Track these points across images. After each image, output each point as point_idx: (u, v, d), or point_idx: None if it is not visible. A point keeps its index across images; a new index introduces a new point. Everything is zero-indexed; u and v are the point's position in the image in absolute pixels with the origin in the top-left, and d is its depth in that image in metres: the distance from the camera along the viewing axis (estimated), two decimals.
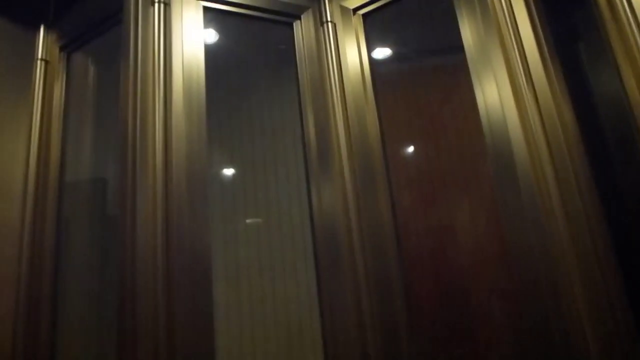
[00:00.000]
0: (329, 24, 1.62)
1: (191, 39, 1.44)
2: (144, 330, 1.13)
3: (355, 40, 1.62)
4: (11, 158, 1.57)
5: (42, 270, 1.49)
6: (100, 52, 1.73)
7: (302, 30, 1.63)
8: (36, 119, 1.61)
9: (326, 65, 1.59)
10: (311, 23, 1.65)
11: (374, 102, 1.55)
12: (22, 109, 1.63)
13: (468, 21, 1.44)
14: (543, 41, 1.33)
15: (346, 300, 1.34)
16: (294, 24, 1.64)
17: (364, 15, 1.65)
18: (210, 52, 1.48)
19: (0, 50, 1.63)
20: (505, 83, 1.31)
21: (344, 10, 1.65)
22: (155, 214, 1.22)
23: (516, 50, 1.33)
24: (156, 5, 1.41)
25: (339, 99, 1.55)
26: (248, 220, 1.62)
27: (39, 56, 1.69)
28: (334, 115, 1.53)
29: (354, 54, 1.60)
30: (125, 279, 1.19)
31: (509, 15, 1.37)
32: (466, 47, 1.42)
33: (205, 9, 1.51)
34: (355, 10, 1.65)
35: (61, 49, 1.71)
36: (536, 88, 1.29)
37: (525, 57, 1.32)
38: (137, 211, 1.22)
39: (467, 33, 1.43)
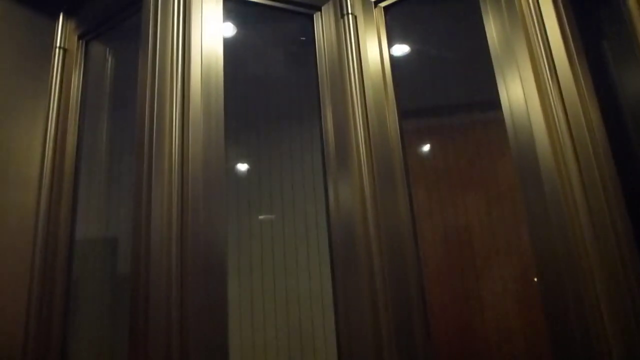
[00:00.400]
0: (350, 16, 1.59)
1: (210, 29, 1.42)
2: (156, 327, 1.12)
3: (376, 34, 1.59)
4: (28, 145, 1.57)
5: (55, 259, 1.49)
6: (119, 41, 1.72)
7: (322, 22, 1.61)
8: (53, 106, 1.61)
9: (346, 59, 1.55)
10: (332, 15, 1.61)
11: (394, 98, 1.52)
12: (39, 97, 1.63)
13: (493, 16, 1.40)
14: (570, 37, 1.29)
15: (362, 299, 1.32)
16: (314, 15, 1.61)
17: (386, 8, 1.62)
18: (229, 43, 1.46)
19: (19, 38, 1.63)
20: (530, 80, 1.28)
21: (365, 2, 1.62)
22: (170, 207, 1.21)
23: (542, 46, 1.30)
24: None
25: (359, 93, 1.51)
26: (262, 217, 1.61)
27: (58, 44, 1.69)
28: (353, 111, 1.50)
29: (375, 48, 1.57)
30: (138, 274, 1.17)
31: (535, 10, 1.34)
32: (490, 42, 1.39)
33: None
34: (377, 2, 1.62)
35: (80, 37, 1.71)
36: (562, 85, 1.25)
37: (551, 53, 1.28)
38: (152, 204, 1.21)
39: (492, 28, 1.40)
